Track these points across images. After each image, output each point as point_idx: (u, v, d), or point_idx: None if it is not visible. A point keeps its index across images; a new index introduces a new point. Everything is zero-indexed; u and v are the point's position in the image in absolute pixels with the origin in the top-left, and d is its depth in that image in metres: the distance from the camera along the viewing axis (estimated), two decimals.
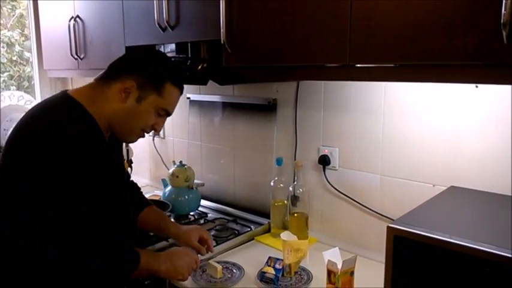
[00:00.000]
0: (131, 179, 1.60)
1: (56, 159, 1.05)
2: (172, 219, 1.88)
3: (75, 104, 1.16)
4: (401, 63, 1.03)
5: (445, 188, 1.26)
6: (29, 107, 2.68)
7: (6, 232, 1.04)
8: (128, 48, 1.77)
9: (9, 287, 1.12)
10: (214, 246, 1.52)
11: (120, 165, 1.39)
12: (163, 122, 1.29)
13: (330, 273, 1.13)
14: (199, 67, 1.56)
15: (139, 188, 1.57)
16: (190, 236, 1.41)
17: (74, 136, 1.08)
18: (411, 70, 1.03)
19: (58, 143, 1.06)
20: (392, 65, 1.05)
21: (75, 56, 2.11)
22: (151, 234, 1.62)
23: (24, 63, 2.90)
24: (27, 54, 2.87)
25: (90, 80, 1.94)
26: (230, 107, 1.99)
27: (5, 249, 1.08)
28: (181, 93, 1.28)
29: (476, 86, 1.23)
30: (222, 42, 1.36)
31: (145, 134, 1.29)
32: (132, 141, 1.31)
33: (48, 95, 2.78)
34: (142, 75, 1.19)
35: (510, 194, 1.15)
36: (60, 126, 1.08)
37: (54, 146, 1.05)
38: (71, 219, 1.08)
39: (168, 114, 1.27)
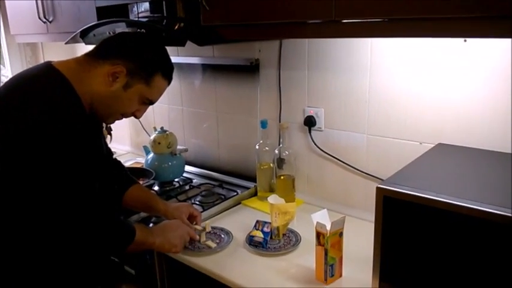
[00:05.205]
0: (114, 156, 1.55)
1: (54, 142, 1.01)
2: (156, 187, 1.87)
3: (64, 80, 1.09)
4: (390, 17, 0.98)
5: (432, 145, 1.24)
6: None
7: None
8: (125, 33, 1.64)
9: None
10: (201, 211, 1.51)
11: (102, 145, 1.35)
12: (145, 110, 1.26)
13: (318, 235, 1.13)
14: (176, 27, 1.47)
15: (124, 166, 1.53)
16: (181, 213, 1.39)
17: (68, 117, 1.05)
18: (400, 25, 0.99)
19: (54, 124, 1.02)
20: (380, 20, 1.00)
21: (44, 19, 1.99)
22: None
23: None
24: None
25: (61, 44, 1.86)
26: (211, 69, 1.92)
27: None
28: (168, 85, 1.25)
29: (465, 40, 1.19)
30: None
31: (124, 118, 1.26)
32: (109, 123, 1.28)
33: (18, 61, 2.66)
34: (134, 63, 1.15)
35: (498, 150, 1.15)
36: (53, 107, 1.03)
37: (51, 128, 1.01)
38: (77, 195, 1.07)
39: (152, 103, 1.24)
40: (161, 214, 1.42)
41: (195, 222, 1.41)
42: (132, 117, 1.26)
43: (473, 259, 0.83)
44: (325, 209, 1.19)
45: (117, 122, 1.27)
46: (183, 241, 1.29)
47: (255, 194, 1.75)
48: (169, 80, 1.25)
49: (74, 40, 1.66)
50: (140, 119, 2.12)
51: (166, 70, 1.23)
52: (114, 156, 1.55)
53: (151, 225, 1.52)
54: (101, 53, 1.17)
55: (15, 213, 1.05)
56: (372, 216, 0.96)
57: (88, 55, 1.18)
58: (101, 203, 1.16)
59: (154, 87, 1.20)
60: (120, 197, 1.40)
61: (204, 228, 1.40)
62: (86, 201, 1.09)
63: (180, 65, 2.01)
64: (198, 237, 1.35)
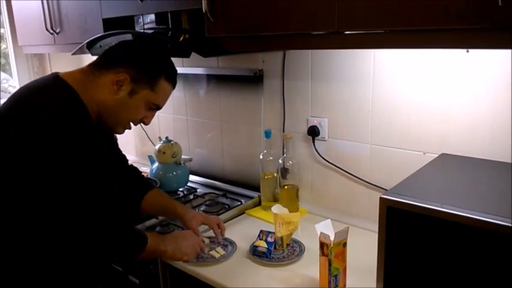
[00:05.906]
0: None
1: (55, 142, 1.02)
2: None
3: (70, 91, 1.11)
4: (392, 28, 0.99)
5: (435, 155, 1.24)
6: (6, 85, 2.60)
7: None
8: (128, 41, 1.67)
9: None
10: None
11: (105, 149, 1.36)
12: (153, 116, 1.27)
13: (322, 245, 1.13)
14: (181, 38, 1.49)
15: (140, 172, 1.53)
16: (192, 222, 1.38)
17: (74, 128, 1.06)
18: (402, 36, 0.99)
19: (55, 124, 1.03)
20: (382, 31, 1.01)
21: (51, 31, 2.02)
22: None
23: None
24: (1, 30, 2.74)
25: (68, 55, 1.89)
26: (215, 80, 1.94)
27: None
28: (173, 88, 1.26)
29: (467, 51, 1.20)
30: (203, 11, 1.29)
31: (133, 125, 1.26)
32: (119, 133, 1.27)
33: (25, 72, 2.69)
34: (137, 69, 1.17)
35: (501, 160, 1.14)
36: (57, 111, 1.05)
37: (53, 128, 1.02)
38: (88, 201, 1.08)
39: (159, 108, 1.26)
40: (177, 218, 1.43)
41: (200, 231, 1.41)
42: (138, 127, 1.27)
43: (477, 269, 0.83)
44: (329, 219, 1.19)
45: None
46: (194, 251, 1.28)
47: (258, 204, 1.75)
48: (173, 83, 1.26)
49: (80, 51, 1.68)
50: (145, 129, 2.14)
51: (169, 73, 1.24)
52: None
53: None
54: (104, 62, 1.19)
55: (22, 216, 1.06)
56: (375, 226, 0.96)
57: (92, 65, 1.19)
58: (111, 210, 1.16)
59: (159, 92, 1.21)
60: (138, 203, 1.41)
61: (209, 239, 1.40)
62: (92, 205, 1.09)
63: (184, 75, 2.03)
64: (207, 249, 1.35)
